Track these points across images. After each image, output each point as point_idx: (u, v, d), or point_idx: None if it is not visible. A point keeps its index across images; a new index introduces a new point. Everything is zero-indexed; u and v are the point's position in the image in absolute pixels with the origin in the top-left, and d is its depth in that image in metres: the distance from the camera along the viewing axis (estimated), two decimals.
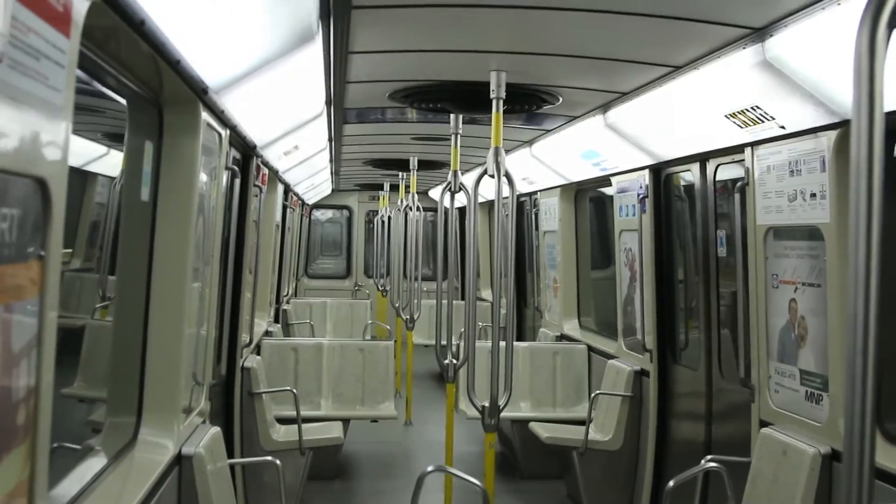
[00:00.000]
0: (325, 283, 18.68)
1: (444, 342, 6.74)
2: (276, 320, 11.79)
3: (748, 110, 4.67)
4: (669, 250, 6.89)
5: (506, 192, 4.97)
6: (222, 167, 4.83)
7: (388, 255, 14.17)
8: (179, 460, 4.06)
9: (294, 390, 7.11)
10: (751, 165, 5.17)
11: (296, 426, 7.14)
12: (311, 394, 8.25)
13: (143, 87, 3.74)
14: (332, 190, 17.50)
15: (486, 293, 14.90)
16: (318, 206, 18.93)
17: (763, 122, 4.68)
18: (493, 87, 5.00)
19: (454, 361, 6.66)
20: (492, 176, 4.95)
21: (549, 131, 7.71)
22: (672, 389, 6.85)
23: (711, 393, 6.17)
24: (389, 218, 14.30)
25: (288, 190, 11.53)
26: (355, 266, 18.79)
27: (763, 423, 5.09)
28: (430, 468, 3.16)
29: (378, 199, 16.06)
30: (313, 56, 4.57)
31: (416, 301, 10.43)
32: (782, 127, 4.60)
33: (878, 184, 1.53)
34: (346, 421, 8.05)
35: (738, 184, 5.30)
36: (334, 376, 8.36)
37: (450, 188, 6.54)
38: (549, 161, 8.78)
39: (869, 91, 1.53)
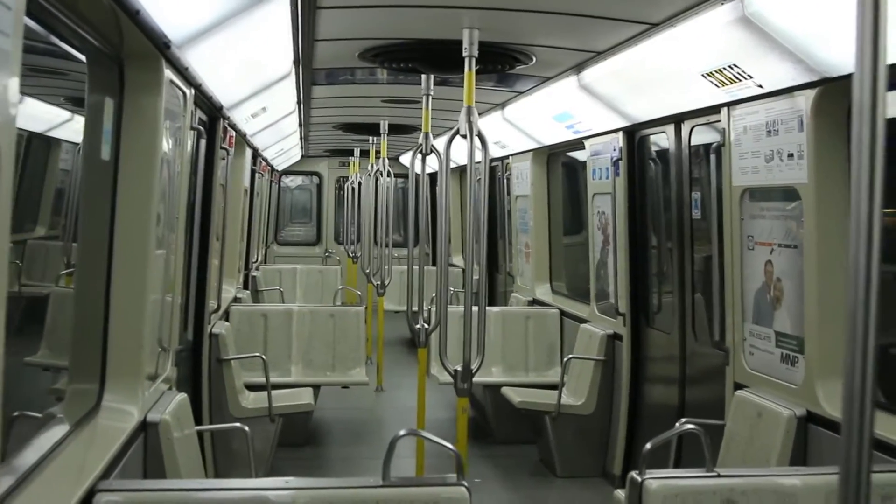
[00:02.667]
0: (295, 249, 18.51)
1: (415, 308, 6.66)
2: (246, 287, 11.66)
3: (725, 69, 4.59)
4: (643, 213, 6.82)
5: (478, 154, 4.86)
6: (187, 128, 4.69)
7: (359, 222, 14.04)
8: (145, 427, 3.95)
9: (263, 356, 7.00)
10: (727, 126, 5.10)
11: (265, 393, 7.04)
12: (280, 360, 8.14)
13: (102, 41, 3.59)
14: (302, 156, 17.31)
15: (457, 259, 14.82)
16: (287, 172, 18.73)
17: (740, 80, 4.60)
18: (465, 45, 4.87)
19: (426, 326, 6.57)
20: (464, 136, 4.84)
21: (521, 93, 7.60)
22: (645, 353, 6.82)
23: (685, 356, 6.14)
24: (360, 184, 14.14)
25: (256, 155, 11.35)
26: (325, 233, 18.63)
27: (738, 386, 5.06)
28: (402, 432, 3.08)
29: (348, 165, 15.89)
30: (280, 10, 4.42)
31: (386, 267, 10.33)
32: (760, 86, 4.52)
33: (881, 140, 1.44)
34: (316, 387, 7.96)
35: (714, 144, 5.23)
36: (304, 342, 8.25)
37: (421, 150, 6.43)
38: (521, 124, 8.67)
39: (873, 40, 1.43)
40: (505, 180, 10.92)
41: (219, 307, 6.73)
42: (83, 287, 3.92)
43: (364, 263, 12.40)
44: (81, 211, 3.92)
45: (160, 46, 3.70)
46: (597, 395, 7.14)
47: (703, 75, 4.82)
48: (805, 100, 4.33)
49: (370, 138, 11.81)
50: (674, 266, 6.22)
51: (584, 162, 9.56)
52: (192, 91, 4.68)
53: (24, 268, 4.33)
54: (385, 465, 3.07)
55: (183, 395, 4.51)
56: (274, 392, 7.20)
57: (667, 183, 6.46)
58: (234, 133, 6.85)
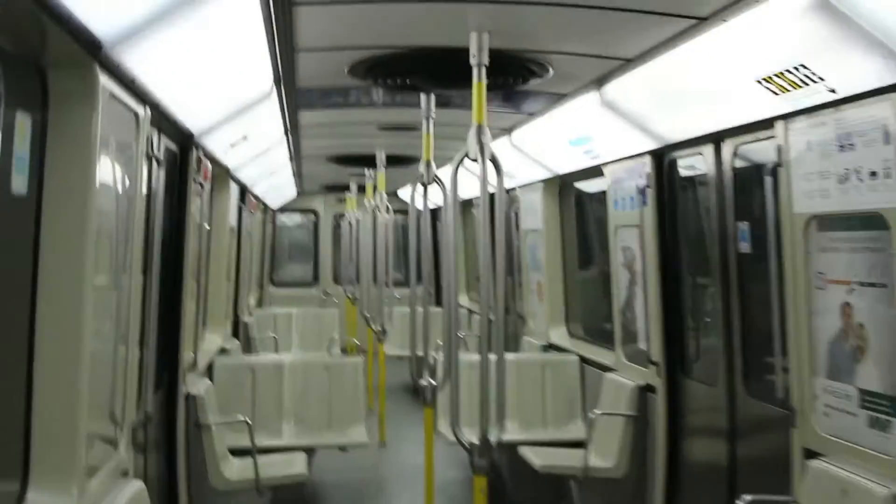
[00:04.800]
0: (292, 291, 17.68)
1: (419, 353, 5.84)
2: (236, 335, 10.82)
3: (789, 71, 3.79)
4: (675, 247, 6.00)
5: (492, 178, 4.05)
6: (142, 155, 3.89)
7: (357, 261, 13.23)
8: None
9: (248, 420, 6.15)
10: (783, 142, 4.29)
11: (259, 456, 6.22)
12: (271, 419, 7.28)
13: (14, 39, 2.80)
14: (298, 193, 16.56)
15: (462, 300, 14.00)
16: (283, 210, 17.96)
17: (807, 85, 3.79)
18: (473, 51, 4.08)
19: (432, 382, 5.73)
20: (474, 160, 4.03)
21: (532, 115, 6.80)
22: (684, 408, 5.96)
23: (735, 413, 5.28)
24: (358, 221, 13.35)
25: (245, 191, 10.57)
26: (322, 273, 17.81)
27: (808, 454, 4.20)
28: None
29: (345, 201, 15.12)
30: (251, 10, 3.63)
31: (387, 310, 9.49)
32: (832, 90, 3.72)
33: None
34: (310, 450, 7.11)
35: (767, 166, 4.43)
36: (297, 399, 7.40)
37: (422, 181, 5.64)
38: (531, 151, 7.89)
39: None
40: (513, 214, 10.10)
41: (195, 362, 5.89)
42: None
43: (363, 306, 11.56)
44: None
45: (90, 47, 2.90)
46: (628, 455, 6.27)
47: (758, 81, 4.02)
48: (892, 105, 3.52)
49: (367, 171, 11.02)
50: (718, 307, 5.38)
51: (592, 193, 8.85)
52: (147, 111, 3.88)
53: None
54: None
55: (138, 487, 3.66)
56: (263, 459, 6.35)
57: (705, 212, 5.64)
58: (209, 165, 6.05)
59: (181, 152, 5.59)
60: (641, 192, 6.02)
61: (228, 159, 6.98)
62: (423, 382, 5.71)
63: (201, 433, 5.96)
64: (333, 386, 7.45)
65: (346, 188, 14.01)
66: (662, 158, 5.95)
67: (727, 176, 5.22)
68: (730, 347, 5.28)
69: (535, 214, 9.08)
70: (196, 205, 5.78)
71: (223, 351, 8.38)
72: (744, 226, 5.08)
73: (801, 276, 4.22)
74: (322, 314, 13.25)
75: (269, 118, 6.39)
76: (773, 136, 4.43)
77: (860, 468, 3.79)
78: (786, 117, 4.23)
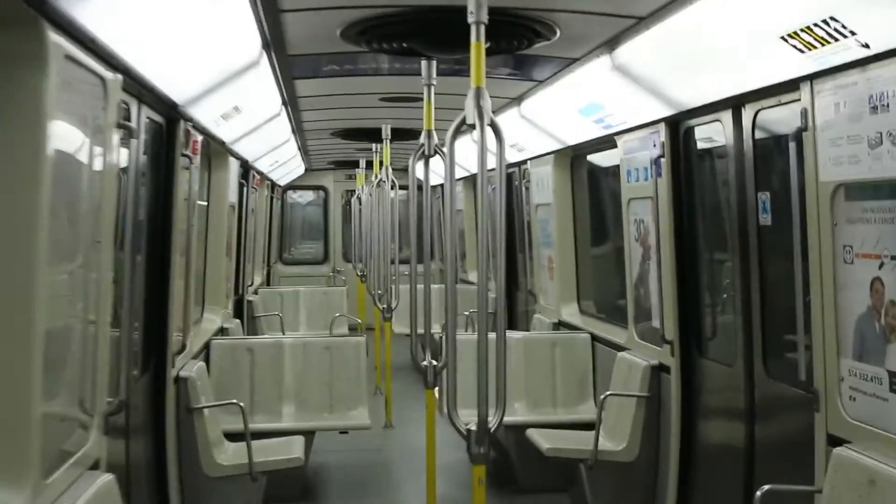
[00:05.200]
0: (302, 269, 17.44)
1: (420, 331, 5.56)
2: (241, 314, 10.57)
3: (817, 25, 3.45)
4: (692, 220, 5.68)
5: (492, 146, 3.73)
6: (111, 124, 3.59)
7: (364, 238, 12.94)
8: None
9: (241, 404, 5.89)
10: (810, 105, 3.96)
11: (254, 441, 5.98)
12: (270, 401, 7.03)
13: None
14: (306, 169, 16.29)
15: (473, 276, 13.68)
16: (291, 187, 17.69)
17: (836, 40, 3.46)
18: (471, 8, 3.75)
19: (433, 363, 5.44)
20: (472, 126, 3.71)
21: (541, 83, 6.47)
22: (698, 389, 5.65)
23: (753, 395, 4.97)
24: (367, 197, 13.05)
25: (248, 168, 10.29)
26: (333, 251, 17.54)
27: (833, 440, 3.90)
28: None
29: (355, 177, 14.82)
30: None
31: (393, 287, 9.19)
32: (865, 45, 3.38)
33: None
34: (311, 433, 6.85)
35: (791, 132, 4.09)
36: (297, 380, 7.14)
37: (423, 152, 5.33)
38: (541, 122, 7.55)
39: None
40: (524, 188, 9.78)
41: (184, 345, 5.61)
42: None
43: (371, 283, 11.28)
44: None
45: (34, 2, 2.61)
46: (640, 438, 5.99)
47: (782, 38, 3.68)
48: None
49: (373, 146, 10.70)
50: (736, 283, 5.06)
51: (606, 167, 8.51)
52: (118, 77, 3.58)
53: None
54: None
55: (106, 480, 3.39)
56: (261, 443, 6.13)
57: (723, 182, 5.32)
58: (199, 138, 5.76)
59: (168, 124, 5.31)
60: (655, 162, 5.69)
61: (223, 132, 6.69)
62: (424, 363, 5.41)
63: (193, 417, 5.71)
64: (335, 366, 7.18)
65: (356, 164, 13.72)
66: (678, 126, 5.62)
67: (747, 143, 4.88)
68: (748, 326, 4.97)
69: (545, 188, 8.75)
70: (184, 179, 5.49)
71: (223, 331, 8.13)
72: (764, 196, 4.75)
73: (827, 250, 3.90)
74: (329, 293, 12.99)
75: (263, 88, 6.09)
76: (797, 99, 4.10)
77: (890, 457, 3.49)
78: (812, 77, 3.90)
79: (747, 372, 4.98)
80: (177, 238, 5.43)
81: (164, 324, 5.35)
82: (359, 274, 13.88)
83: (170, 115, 5.22)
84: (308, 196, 18.81)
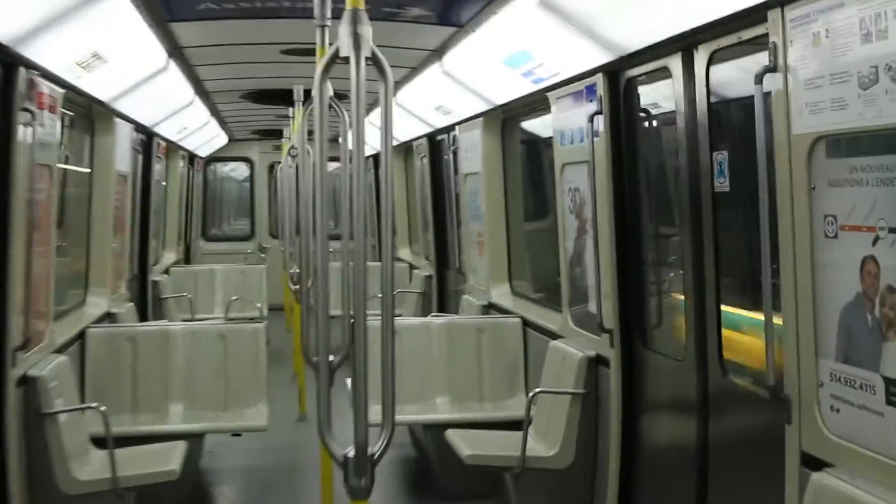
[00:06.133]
0: (227, 245, 16.43)
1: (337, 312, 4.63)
2: (144, 296, 9.59)
3: None
4: (634, 188, 4.85)
5: (364, 83, 2.80)
6: None
7: (286, 212, 11.98)
8: None
9: (102, 408, 4.95)
10: (780, 37, 3.13)
11: (125, 449, 5.09)
12: (155, 400, 6.08)
13: None
14: (229, 139, 15.25)
15: (405, 252, 12.83)
16: (214, 159, 16.64)
17: None
18: None
19: (330, 359, 4.54)
20: (345, 60, 2.78)
21: (461, 28, 5.57)
22: (642, 385, 4.84)
23: (707, 396, 4.16)
24: (288, 168, 12.08)
25: (151, 134, 9.29)
26: (258, 226, 16.55)
27: (808, 460, 3.11)
28: None
29: (281, 148, 13.84)
30: None
31: (306, 264, 8.26)
32: None
33: None
34: (201, 436, 5.96)
35: (756, 73, 3.25)
36: (186, 374, 6.20)
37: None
38: (465, 78, 6.68)
39: None
40: (452, 155, 8.91)
41: (25, 343, 4.64)
42: None
43: (287, 260, 10.32)
44: None
45: None
46: (575, 441, 5.17)
47: None
48: None
49: (289, 109, 9.73)
50: (687, 263, 4.23)
51: (542, 135, 7.66)
52: None
53: None
54: None
55: None
56: (136, 451, 5.24)
57: (670, 142, 4.49)
58: (48, 90, 4.79)
59: (4, 72, 4.35)
60: (591, 119, 4.84)
61: (93, 87, 5.70)
62: (316, 359, 4.51)
63: (45, 424, 4.76)
64: (230, 357, 6.26)
65: (280, 133, 12.73)
66: (618, 77, 4.77)
67: (700, 93, 4.03)
68: (701, 312, 4.14)
69: (475, 155, 7.88)
70: (27, 138, 4.52)
71: (110, 317, 7.16)
72: (721, 157, 3.91)
73: (802, 221, 3.08)
74: (247, 272, 12.02)
75: (129, 31, 5.12)
76: (763, 34, 3.27)
77: (882, 485, 2.69)
78: (783, 2, 3.07)
79: (700, 367, 4.16)
80: (17, 209, 4.47)
81: (3, 313, 4.41)
82: (281, 250, 12.94)
83: (3, 60, 4.26)
84: (242, 170, 17.75)
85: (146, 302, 9.61)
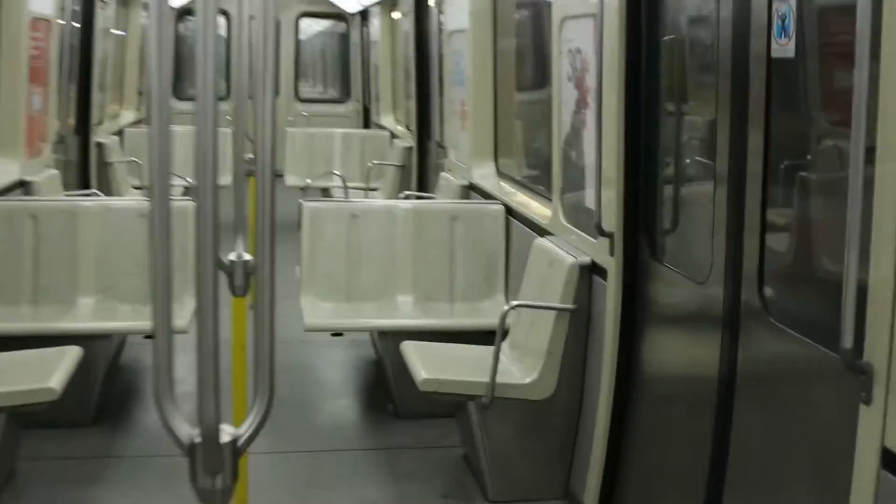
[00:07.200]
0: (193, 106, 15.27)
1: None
2: (86, 161, 8.55)
3: None
4: (653, 50, 3.69)
5: None
6: None
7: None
8: None
9: None
10: None
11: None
12: (60, 291, 5.10)
13: None
14: None
15: (387, 120, 11.70)
16: (187, 11, 15.29)
17: None
18: None
19: (244, 258, 3.49)
20: None
21: None
22: (647, 306, 3.81)
23: (736, 334, 3.10)
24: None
25: None
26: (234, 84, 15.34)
27: (889, 458, 2.10)
28: None
29: None
30: None
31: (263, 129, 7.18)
32: None
33: None
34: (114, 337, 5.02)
35: None
36: (99, 260, 5.19)
37: None
38: None
39: None
40: (436, 10, 7.69)
41: None
42: None
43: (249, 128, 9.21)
44: None
45: None
46: (558, 368, 4.18)
47: None
48: None
49: None
50: (721, 151, 3.11)
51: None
52: None
53: None
54: None
55: None
56: (26, 355, 4.27)
57: None
58: None
59: None
60: None
61: None
62: (231, 258, 3.46)
63: None
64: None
65: None
66: None
67: None
68: (737, 225, 3.05)
69: (461, 9, 6.67)
70: None
71: (23, 185, 6.08)
72: (785, 8, 2.74)
73: None
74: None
75: None
76: None
77: None
78: None
79: (732, 296, 3.10)
80: None
81: None
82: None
83: None
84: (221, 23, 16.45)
85: (88, 167, 8.56)
